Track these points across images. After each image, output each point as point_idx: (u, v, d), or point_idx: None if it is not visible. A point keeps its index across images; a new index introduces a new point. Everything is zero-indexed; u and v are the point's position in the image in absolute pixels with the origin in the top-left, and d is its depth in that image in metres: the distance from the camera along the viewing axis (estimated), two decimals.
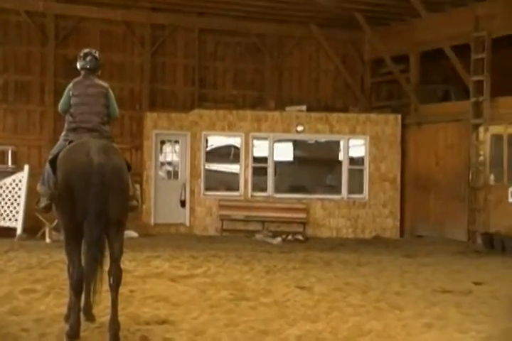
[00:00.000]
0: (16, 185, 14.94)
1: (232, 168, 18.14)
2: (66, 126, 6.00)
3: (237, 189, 17.70)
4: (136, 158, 17.76)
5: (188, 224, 17.76)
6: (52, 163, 5.60)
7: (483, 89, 15.39)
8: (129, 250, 12.49)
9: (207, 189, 17.57)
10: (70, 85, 6.08)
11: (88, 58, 6.15)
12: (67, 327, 5.43)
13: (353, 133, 17.95)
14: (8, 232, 14.67)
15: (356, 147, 18.31)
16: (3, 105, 17.02)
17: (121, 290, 7.64)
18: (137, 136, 17.92)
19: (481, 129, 15.54)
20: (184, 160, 18.00)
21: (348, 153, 18.06)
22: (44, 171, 5.80)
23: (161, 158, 18.26)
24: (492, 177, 15.50)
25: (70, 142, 5.71)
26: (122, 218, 5.55)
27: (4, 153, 16.47)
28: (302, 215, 17.51)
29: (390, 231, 17.66)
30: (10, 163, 16.48)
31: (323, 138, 18.33)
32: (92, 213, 5.16)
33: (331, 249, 14.43)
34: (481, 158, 15.58)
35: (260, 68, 19.41)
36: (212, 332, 5.80)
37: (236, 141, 17.85)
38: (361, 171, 17.97)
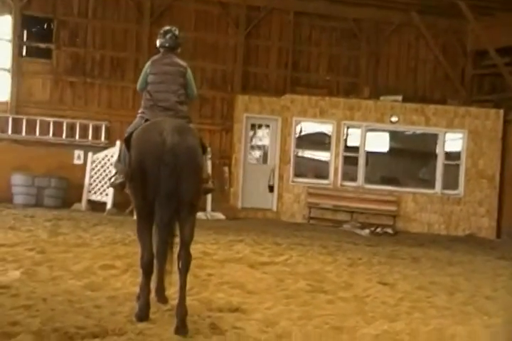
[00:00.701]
0: (108, 160, 15.21)
1: (323, 155, 17.84)
2: (143, 103, 5.91)
3: (326, 177, 17.40)
4: (226, 141, 17.79)
5: (275, 209, 17.67)
6: (127, 141, 5.50)
7: None
8: (213, 232, 12.62)
9: (296, 175, 17.38)
10: (148, 63, 5.98)
11: (168, 36, 5.99)
12: (137, 307, 5.34)
13: (451, 126, 17.31)
14: (99, 206, 15.00)
15: (453, 141, 17.62)
16: (99, 80, 17.36)
17: (199, 273, 7.68)
18: (228, 119, 17.93)
19: None
20: (274, 145, 17.87)
21: (443, 146, 17.42)
22: (121, 148, 5.72)
23: (251, 142, 18.18)
24: None
25: (146, 120, 5.60)
26: (194, 201, 5.36)
27: (98, 128, 16.77)
28: (393, 208, 17.06)
29: (486, 231, 16.94)
30: (103, 138, 16.80)
31: (417, 130, 17.73)
32: (163, 194, 5.01)
33: (420, 244, 13.90)
34: None
35: (356, 54, 18.96)
36: (284, 324, 5.56)
37: (327, 128, 17.52)
38: (457, 166, 17.32)
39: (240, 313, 5.86)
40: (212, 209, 16.58)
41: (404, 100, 17.75)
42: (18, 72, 16.75)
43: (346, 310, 6.40)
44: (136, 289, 5.94)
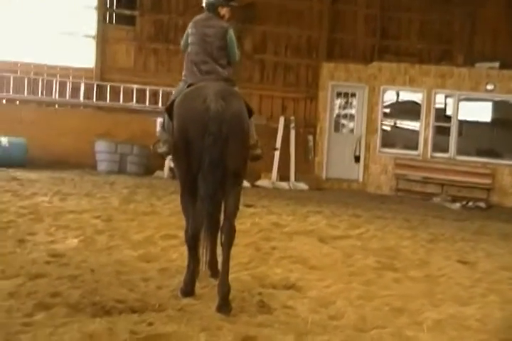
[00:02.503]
0: None
1: (412, 125, 17.14)
2: (184, 66, 5.57)
3: (415, 148, 16.70)
4: (311, 109, 17.37)
5: (361, 180, 17.17)
6: (170, 109, 5.20)
7: None
8: (292, 203, 12.32)
9: (383, 145, 16.77)
10: (191, 23, 5.61)
11: None
12: (182, 282, 5.11)
13: None
14: None
15: None
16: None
17: (263, 246, 7.40)
18: (312, 86, 17.47)
19: None
20: (360, 114, 17.28)
21: None
22: (164, 117, 5.42)
23: (336, 111, 17.67)
24: None
25: (189, 86, 5.27)
26: (240, 170, 5.01)
27: (156, 94, 16.60)
28: (487, 181, 16.20)
29: None
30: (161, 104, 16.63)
31: None
32: (207, 164, 4.70)
33: None
34: None
35: (449, 19, 17.91)
36: (339, 304, 5.17)
37: (417, 97, 16.77)
38: None
39: (294, 291, 5.52)
40: (296, 179, 16.28)
41: (502, 67, 16.65)
42: (103, 38, 16.86)
43: (413, 291, 5.93)
44: None
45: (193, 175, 4.85)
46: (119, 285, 5.10)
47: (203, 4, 5.66)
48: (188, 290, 5.00)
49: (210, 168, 4.70)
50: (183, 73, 5.55)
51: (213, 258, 5.55)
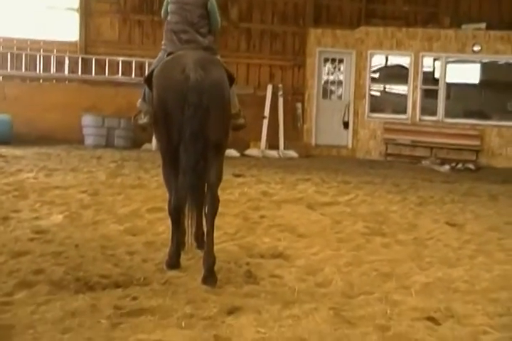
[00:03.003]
0: None
1: (399, 89, 17.04)
2: (164, 35, 5.42)
3: (404, 112, 16.62)
4: (298, 77, 17.22)
5: (350, 146, 17.10)
6: (149, 79, 5.07)
7: None
8: (281, 171, 12.28)
9: (372, 111, 16.68)
10: None
11: None
12: (167, 255, 5.07)
13: None
14: None
15: None
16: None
17: (251, 215, 7.36)
18: (300, 54, 17.27)
19: None
20: (348, 80, 17.13)
21: None
22: (144, 87, 5.29)
23: (324, 77, 17.51)
24: None
25: (169, 54, 5.14)
26: (222, 140, 4.92)
27: (142, 66, 16.37)
28: (475, 142, 16.14)
29: None
30: None
31: (502, 59, 16.51)
32: (188, 136, 4.59)
33: (503, 181, 13.03)
34: None
35: None
36: (327, 271, 5.15)
37: (405, 60, 16.65)
38: None
39: (282, 259, 5.49)
40: (285, 147, 16.22)
41: (489, 28, 16.50)
42: (86, 11, 16.54)
43: (401, 255, 5.92)
44: None
45: (174, 146, 4.75)
46: (104, 260, 5.05)
47: None
48: (173, 263, 4.97)
49: (191, 139, 4.60)
50: (163, 42, 5.40)
51: (199, 229, 5.50)
